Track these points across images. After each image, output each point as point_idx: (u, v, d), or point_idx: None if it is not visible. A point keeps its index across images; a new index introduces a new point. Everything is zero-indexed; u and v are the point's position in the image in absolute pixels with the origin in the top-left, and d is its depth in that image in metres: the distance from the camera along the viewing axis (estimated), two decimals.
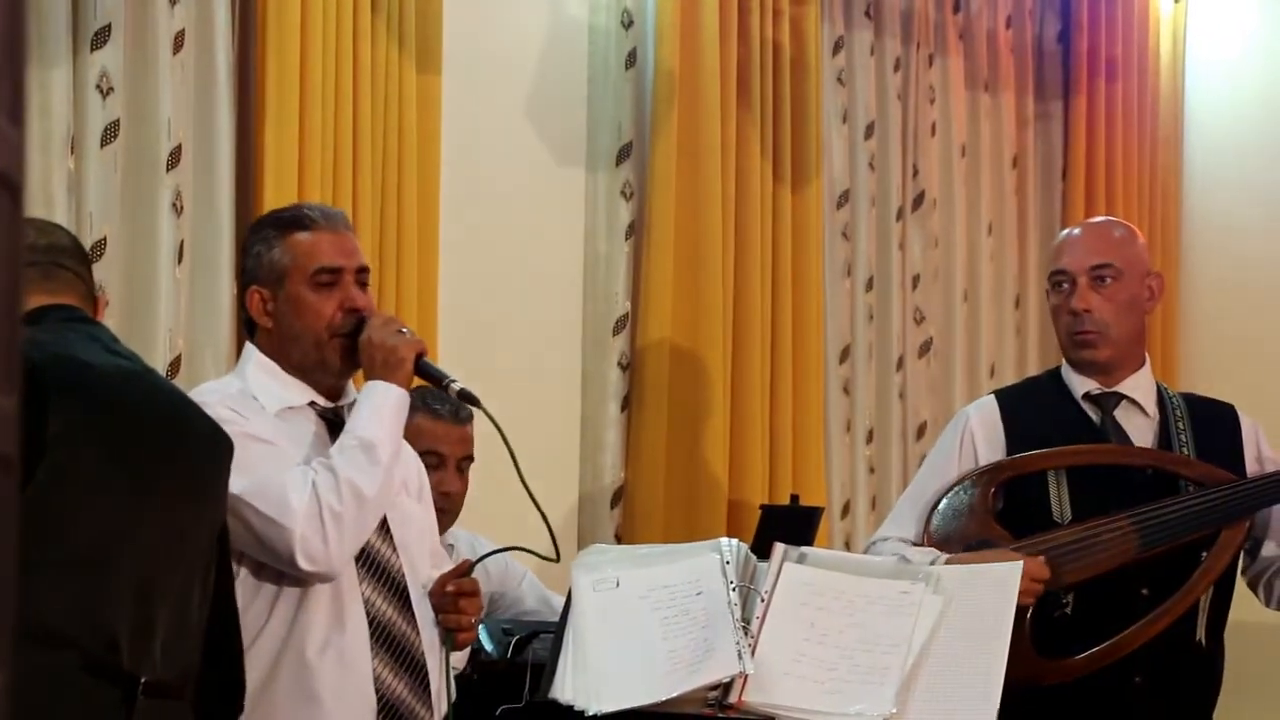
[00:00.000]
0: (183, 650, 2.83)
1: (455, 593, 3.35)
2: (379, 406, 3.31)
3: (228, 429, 3.26)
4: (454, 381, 3.38)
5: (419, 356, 3.36)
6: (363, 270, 3.42)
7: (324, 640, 3.28)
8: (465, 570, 3.38)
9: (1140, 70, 6.32)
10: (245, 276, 3.43)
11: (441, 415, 4.08)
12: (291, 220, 3.43)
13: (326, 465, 3.25)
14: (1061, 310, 3.91)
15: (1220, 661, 3.96)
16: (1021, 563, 3.59)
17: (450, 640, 3.36)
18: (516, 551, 4.22)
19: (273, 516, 3.20)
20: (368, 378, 3.35)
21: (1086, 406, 3.95)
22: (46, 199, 3.90)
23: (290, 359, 3.38)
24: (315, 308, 3.36)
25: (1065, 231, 4.12)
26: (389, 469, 3.28)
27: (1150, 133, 6.34)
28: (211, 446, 2.97)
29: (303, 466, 3.26)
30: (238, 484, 3.20)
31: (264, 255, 3.39)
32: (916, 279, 5.82)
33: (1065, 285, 3.90)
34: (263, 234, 3.43)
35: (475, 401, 3.37)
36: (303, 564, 3.20)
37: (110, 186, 4.02)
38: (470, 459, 4.07)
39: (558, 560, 3.38)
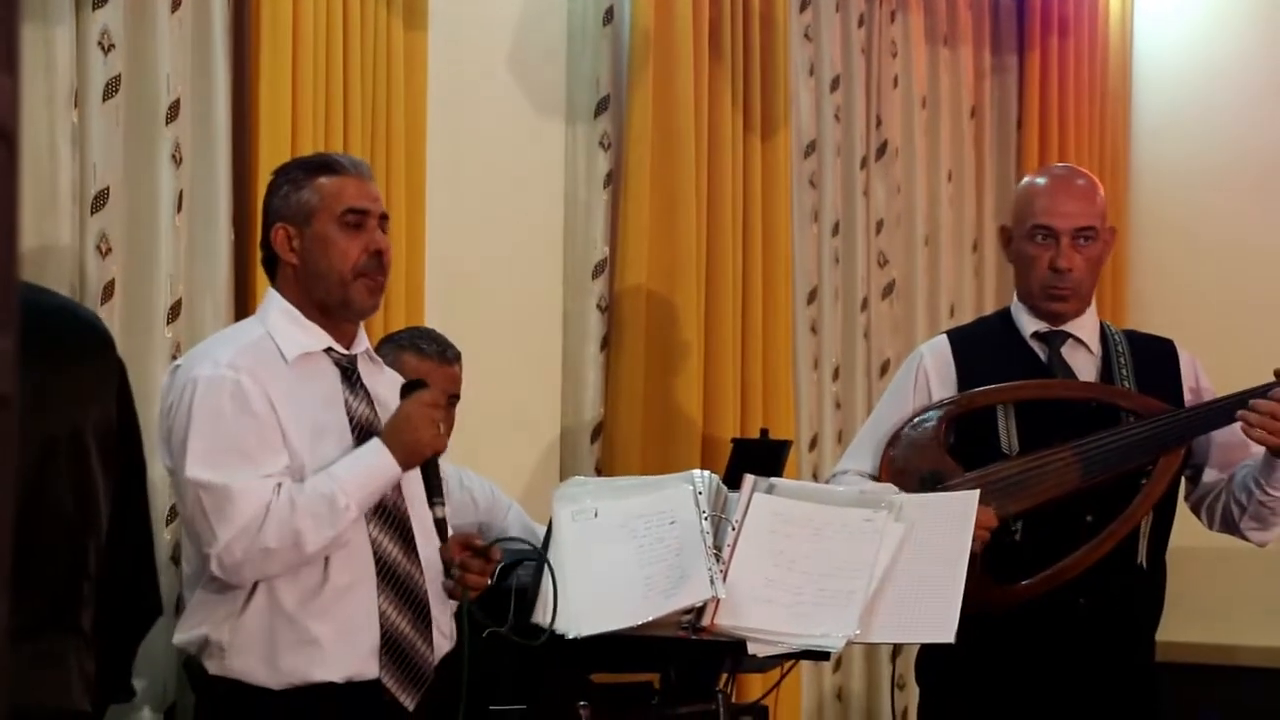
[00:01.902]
0: (43, 579, 2.65)
1: (464, 562, 3.32)
2: (372, 475, 3.27)
3: (222, 426, 3.18)
4: (441, 506, 3.30)
5: (433, 455, 3.31)
6: (384, 217, 3.40)
7: (326, 578, 3.27)
8: (479, 546, 3.34)
9: (1091, 26, 6.32)
10: (270, 215, 3.40)
11: (428, 354, 4.07)
12: (321, 164, 3.42)
13: (289, 499, 3.20)
14: (1039, 263, 3.90)
15: (1161, 583, 3.99)
16: (978, 490, 3.61)
17: (464, 596, 3.31)
18: (500, 484, 4.26)
19: (212, 518, 3.19)
20: (387, 436, 3.29)
21: (1034, 344, 3.96)
22: (51, 152, 3.88)
23: (313, 296, 3.35)
24: (341, 247, 3.33)
25: (1040, 182, 4.02)
26: (341, 534, 3.24)
27: (1100, 86, 6.35)
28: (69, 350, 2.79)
29: (269, 484, 3.20)
30: (203, 471, 3.19)
31: (292, 195, 3.36)
32: (880, 224, 5.83)
33: (1048, 240, 3.90)
34: (291, 175, 3.40)
35: (444, 530, 3.29)
36: (214, 568, 3.20)
37: (112, 139, 4.00)
38: (456, 398, 4.07)
39: (546, 561, 3.35)
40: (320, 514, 3.20)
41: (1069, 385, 3.92)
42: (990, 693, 3.88)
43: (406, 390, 3.35)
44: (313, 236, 3.34)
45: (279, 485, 3.21)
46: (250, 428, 3.24)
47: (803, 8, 5.58)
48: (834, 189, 5.66)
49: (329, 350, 3.37)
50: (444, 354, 4.09)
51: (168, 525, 3.98)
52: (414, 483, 3.37)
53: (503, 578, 3.63)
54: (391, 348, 3.98)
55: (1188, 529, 4.05)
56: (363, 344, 3.42)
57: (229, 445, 3.21)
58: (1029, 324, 3.96)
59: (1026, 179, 4.15)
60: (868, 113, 5.77)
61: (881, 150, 5.82)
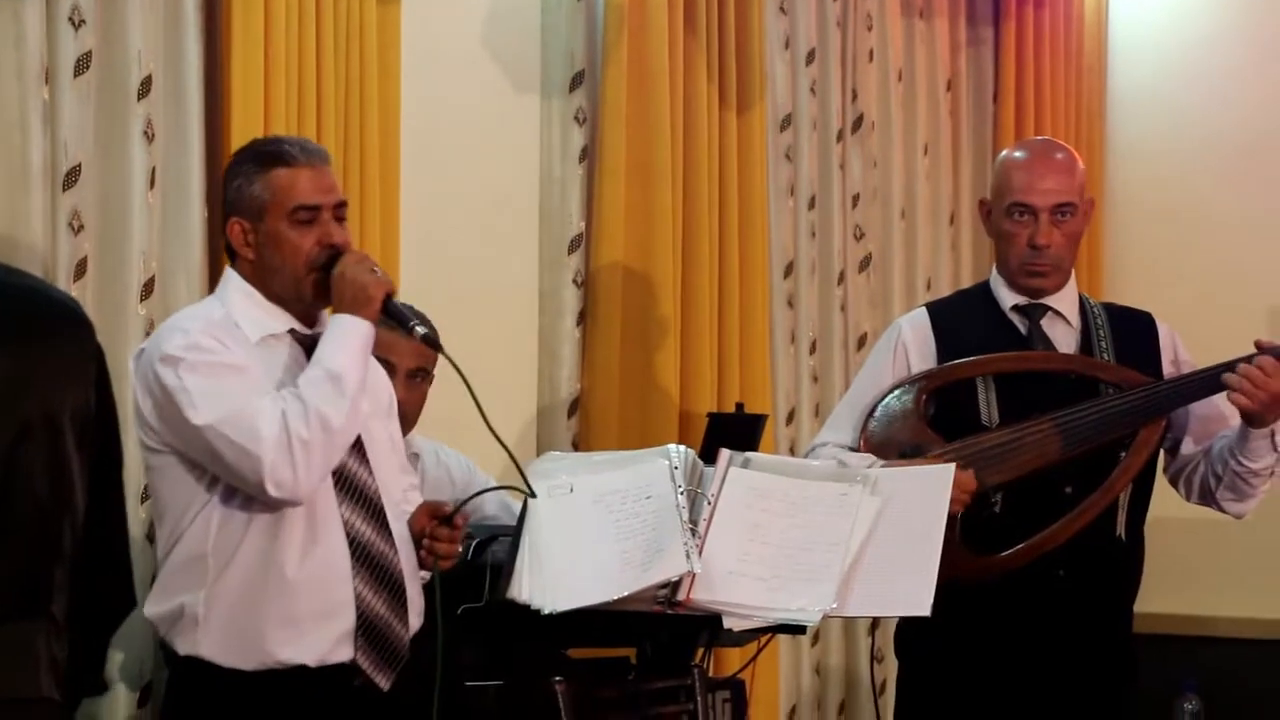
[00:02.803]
0: (13, 563, 2.62)
1: (433, 532, 3.33)
2: (347, 339, 3.26)
3: (207, 358, 3.21)
4: (417, 324, 3.33)
5: (387, 296, 3.31)
6: (340, 205, 3.37)
7: (303, 561, 3.24)
8: (444, 514, 3.34)
9: None
10: (226, 207, 3.38)
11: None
12: (272, 155, 3.35)
13: (296, 395, 3.20)
14: (1018, 240, 3.88)
15: (1140, 555, 3.98)
16: (954, 465, 3.59)
17: (435, 567, 3.32)
18: (478, 462, 4.21)
19: (243, 444, 3.15)
20: (336, 311, 3.30)
21: (1014, 317, 3.95)
22: (23, 127, 3.82)
23: (270, 289, 3.34)
24: (294, 243, 3.31)
25: (1019, 156, 3.99)
26: (355, 400, 3.24)
27: (1076, 57, 6.33)
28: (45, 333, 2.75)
29: (273, 396, 3.21)
30: (210, 413, 3.17)
31: (244, 189, 3.34)
32: (856, 198, 5.80)
33: (1025, 217, 3.87)
34: (243, 168, 3.36)
35: (436, 345, 3.32)
36: (271, 490, 3.16)
37: (84, 115, 3.94)
38: (424, 372, 4.01)
39: (533, 495, 3.35)
40: (327, 391, 3.19)
41: (1049, 357, 3.91)
42: (969, 664, 3.88)
43: (329, 264, 3.30)
44: (266, 233, 3.32)
45: (278, 394, 3.21)
46: (237, 360, 3.24)
47: None
48: (810, 163, 5.63)
49: (291, 331, 3.35)
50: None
51: (142, 504, 3.92)
52: (385, 462, 3.36)
53: (478, 554, 3.60)
54: None
55: (1165, 501, 4.04)
56: (326, 324, 3.37)
57: (223, 378, 3.20)
58: (1009, 297, 3.94)
59: (1004, 153, 4.11)
60: (843, 86, 5.73)
61: (857, 124, 5.78)
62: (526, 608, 3.30)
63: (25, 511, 2.62)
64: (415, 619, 3.35)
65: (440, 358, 3.37)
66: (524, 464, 3.41)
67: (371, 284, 3.28)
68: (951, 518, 3.59)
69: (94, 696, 3.36)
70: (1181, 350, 3.99)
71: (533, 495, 3.36)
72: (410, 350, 3.95)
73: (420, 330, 3.33)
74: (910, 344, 3.96)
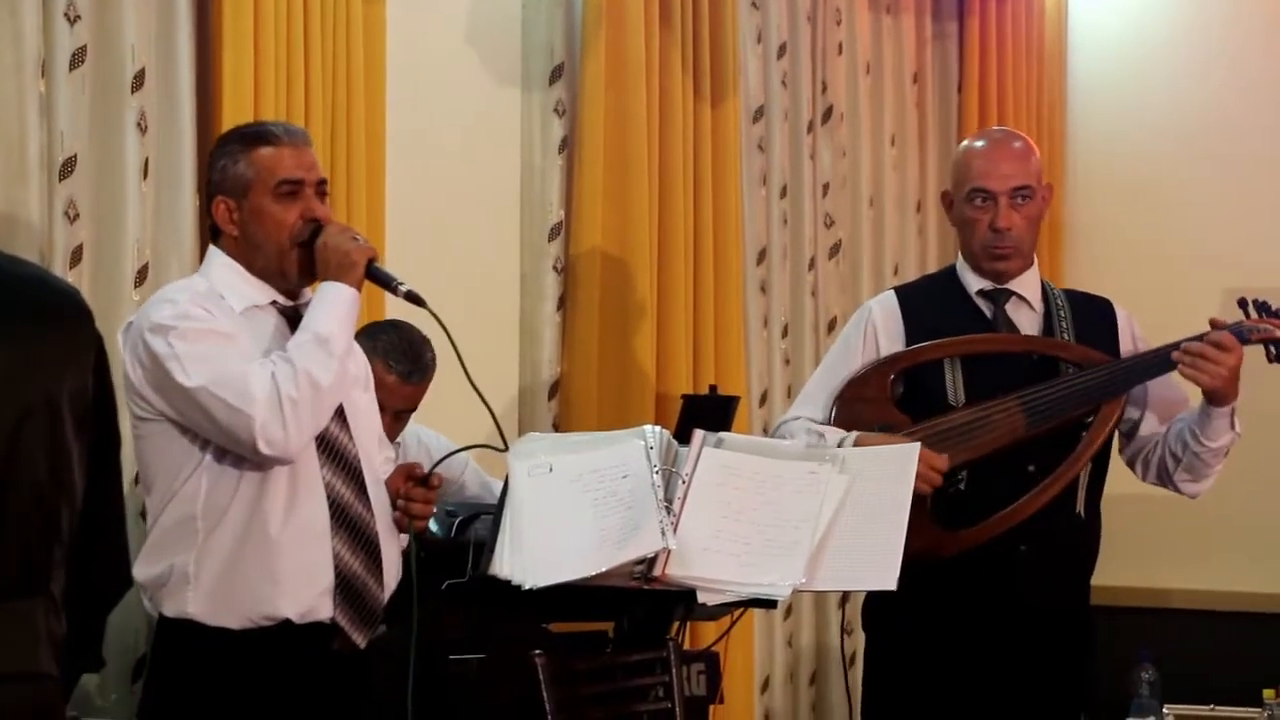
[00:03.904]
0: (13, 543, 2.60)
1: (408, 493, 3.36)
2: (333, 304, 3.28)
3: (195, 325, 3.22)
4: (402, 285, 3.35)
5: (370, 261, 3.33)
6: (322, 183, 3.38)
7: (285, 520, 3.26)
8: (420, 475, 3.37)
9: None
10: (211, 188, 3.38)
11: (395, 371, 4.09)
12: (255, 135, 3.38)
13: (285, 358, 3.21)
14: (980, 225, 3.90)
15: (1097, 531, 4.01)
16: (919, 444, 3.60)
17: (410, 527, 3.35)
18: (463, 425, 4.24)
19: (235, 404, 3.16)
20: (322, 279, 3.32)
21: (980, 302, 3.97)
22: (20, 119, 3.84)
23: (254, 265, 3.34)
24: (277, 217, 3.32)
25: (977, 145, 4.01)
26: (343, 360, 3.26)
27: (1038, 50, 6.35)
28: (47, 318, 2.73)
29: (262, 359, 3.23)
30: (201, 375, 3.18)
31: (229, 168, 3.35)
32: (826, 187, 5.82)
33: (986, 202, 3.90)
34: (228, 149, 3.38)
35: (422, 303, 3.34)
36: (263, 448, 3.17)
37: (79, 108, 3.95)
38: (409, 413, 4.08)
39: (505, 449, 3.38)
40: (315, 353, 3.21)
41: (1012, 339, 3.93)
42: (934, 637, 3.89)
43: (312, 239, 3.32)
44: (250, 209, 3.33)
45: (267, 359, 3.23)
46: (224, 328, 3.25)
47: None
48: (781, 153, 5.65)
49: (274, 303, 3.36)
50: (409, 376, 4.10)
51: (135, 485, 3.94)
52: (365, 430, 3.39)
53: (461, 532, 3.62)
54: (366, 346, 3.86)
55: (1121, 479, 4.07)
56: (309, 297, 3.39)
57: (213, 343, 3.21)
58: (974, 282, 3.96)
59: (963, 143, 4.14)
60: (813, 79, 5.75)
61: (827, 115, 5.80)
62: (508, 583, 3.30)
63: (25, 493, 2.63)
64: (391, 580, 3.37)
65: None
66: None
67: (354, 250, 3.30)
68: (922, 496, 3.63)
69: (91, 673, 3.37)
70: (1139, 333, 4.02)
71: (505, 448, 3.37)
72: (401, 396, 4.01)
73: (404, 288, 3.34)
74: (880, 325, 3.97)
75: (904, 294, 4.06)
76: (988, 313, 3.95)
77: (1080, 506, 3.92)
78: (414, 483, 3.36)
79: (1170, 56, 6.29)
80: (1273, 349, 3.85)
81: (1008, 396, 3.82)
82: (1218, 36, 6.25)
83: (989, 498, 3.81)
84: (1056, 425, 3.83)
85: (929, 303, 4.00)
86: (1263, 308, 3.87)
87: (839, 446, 3.69)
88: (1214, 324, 3.84)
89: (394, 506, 3.37)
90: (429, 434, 4.26)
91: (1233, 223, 6.12)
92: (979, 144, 4.02)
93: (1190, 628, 5.95)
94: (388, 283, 3.37)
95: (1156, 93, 6.30)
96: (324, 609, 3.27)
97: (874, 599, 4.00)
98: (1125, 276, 5.77)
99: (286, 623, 3.25)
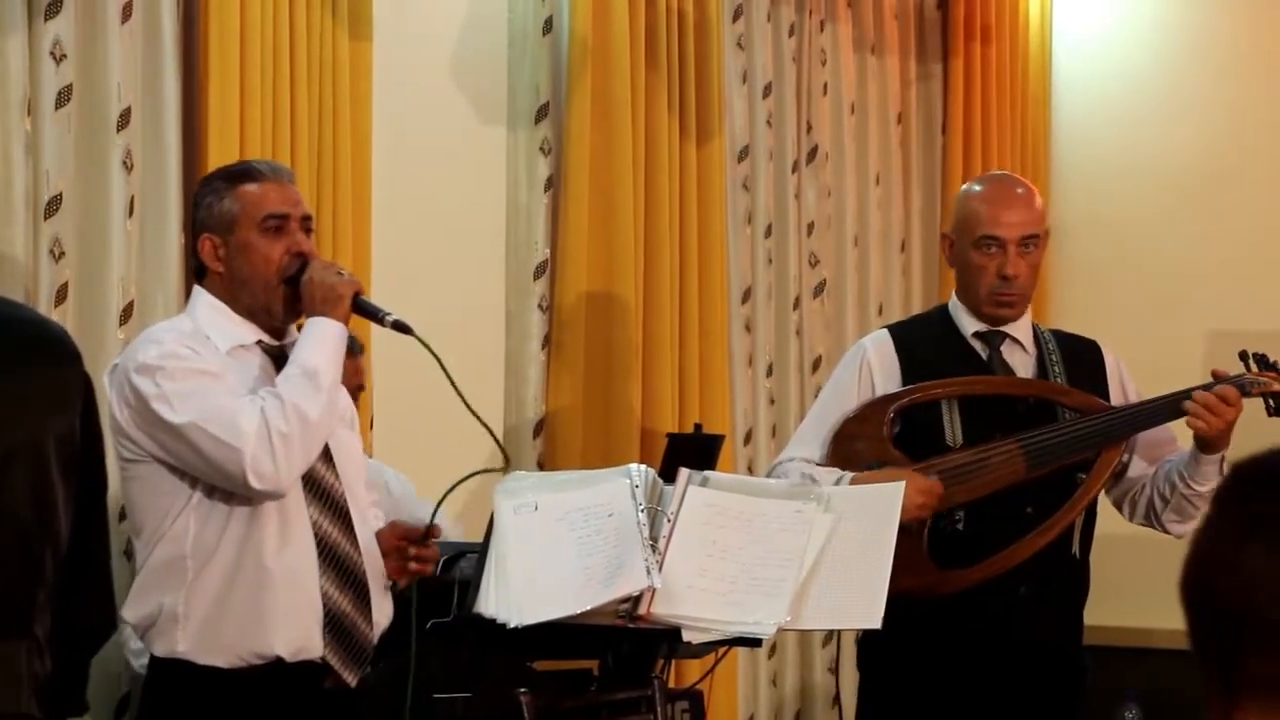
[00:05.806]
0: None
1: (417, 554, 3.36)
2: (320, 339, 3.27)
3: (182, 364, 3.21)
4: (389, 315, 3.35)
5: (356, 294, 3.32)
6: (307, 218, 3.38)
7: (274, 559, 3.24)
8: (418, 536, 3.37)
9: (1012, 34, 6.34)
10: (197, 226, 3.38)
11: None
12: (241, 173, 3.38)
13: (273, 392, 3.20)
14: (986, 271, 3.89)
15: (1088, 571, 4.00)
16: (904, 482, 3.58)
17: (413, 585, 3.35)
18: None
19: (224, 439, 3.15)
20: (309, 315, 3.31)
21: (975, 343, 3.96)
22: (5, 158, 3.83)
23: (239, 302, 3.33)
24: (263, 252, 3.31)
25: (984, 191, 3.99)
26: (331, 394, 3.25)
27: (1021, 91, 6.36)
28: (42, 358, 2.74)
29: (251, 396, 3.22)
30: (189, 412, 3.17)
31: (215, 205, 3.34)
32: (811, 226, 5.82)
33: (994, 249, 3.89)
34: (214, 186, 3.38)
35: (410, 331, 3.34)
36: (254, 482, 3.15)
37: (65, 146, 3.94)
38: (360, 388, 4.06)
39: (507, 464, 3.37)
40: (303, 386, 3.20)
41: (1012, 382, 3.94)
42: (929, 676, 3.87)
43: (297, 275, 3.31)
44: (236, 245, 3.32)
45: (255, 395, 3.22)
46: (211, 367, 3.24)
47: (735, 17, 5.55)
48: (767, 192, 5.65)
49: (260, 343, 3.35)
50: (349, 349, 4.07)
51: (120, 522, 3.91)
52: (351, 469, 3.38)
53: (446, 569, 3.60)
54: None
55: (1108, 519, 4.06)
56: (294, 336, 3.39)
57: (199, 381, 3.20)
58: (969, 324, 3.95)
59: (966, 187, 4.13)
60: (798, 119, 5.76)
61: (812, 155, 5.81)
62: (493, 622, 3.28)
63: (9, 535, 2.61)
64: (381, 619, 3.36)
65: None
66: (490, 483, 3.42)
67: (340, 284, 3.30)
68: (920, 526, 3.62)
69: (75, 717, 3.35)
70: (1128, 379, 4.03)
71: (507, 461, 3.38)
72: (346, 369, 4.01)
73: (390, 318, 3.34)
74: (875, 364, 3.95)
75: (898, 333, 4.05)
76: (983, 354, 3.95)
77: (1076, 547, 3.92)
78: (414, 542, 3.35)
79: (1154, 99, 6.31)
80: (1272, 402, 3.88)
81: (1006, 439, 3.82)
82: (1201, 80, 6.26)
83: (986, 538, 3.81)
84: (1057, 469, 3.83)
85: (924, 342, 3.99)
86: (1262, 361, 3.90)
87: (835, 485, 3.68)
88: (1216, 375, 3.85)
89: (388, 560, 3.36)
90: (390, 473, 4.26)
91: (1216, 265, 6.13)
92: (986, 189, 4.01)
93: (1175, 667, 5.90)
94: (374, 314, 3.37)
95: (1139, 134, 6.32)
96: (315, 647, 3.25)
97: (868, 637, 3.98)
98: (1108, 318, 5.76)
99: (278, 661, 3.23)
